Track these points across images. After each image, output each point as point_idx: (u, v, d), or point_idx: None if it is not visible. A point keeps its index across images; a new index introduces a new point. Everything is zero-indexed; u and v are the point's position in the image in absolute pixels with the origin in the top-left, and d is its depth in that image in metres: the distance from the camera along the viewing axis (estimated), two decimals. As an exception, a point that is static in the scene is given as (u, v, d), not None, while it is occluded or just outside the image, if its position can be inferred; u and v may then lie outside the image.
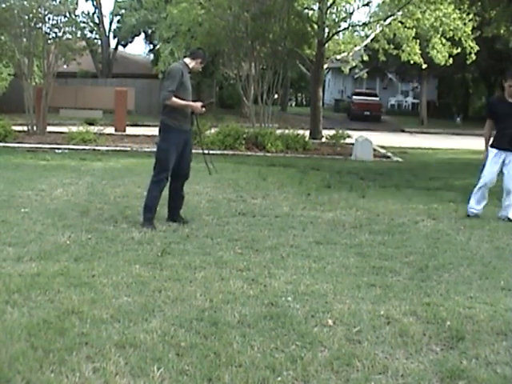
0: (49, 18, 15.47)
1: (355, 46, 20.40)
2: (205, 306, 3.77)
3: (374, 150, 14.41)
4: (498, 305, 3.98)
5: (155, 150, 6.28)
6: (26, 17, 14.88)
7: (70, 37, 15.89)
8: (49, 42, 15.47)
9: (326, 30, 18.20)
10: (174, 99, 5.80)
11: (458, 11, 17.63)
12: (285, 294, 4.06)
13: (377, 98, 31.49)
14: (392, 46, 20.53)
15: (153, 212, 5.93)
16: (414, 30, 18.77)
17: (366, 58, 23.05)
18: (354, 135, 15.24)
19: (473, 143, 19.69)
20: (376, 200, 7.89)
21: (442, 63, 19.33)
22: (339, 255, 5.10)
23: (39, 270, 4.37)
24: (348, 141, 15.98)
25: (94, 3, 29.26)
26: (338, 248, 5.35)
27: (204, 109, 6.00)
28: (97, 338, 3.24)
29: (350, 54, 20.83)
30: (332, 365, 3.05)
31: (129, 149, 13.43)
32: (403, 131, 26.00)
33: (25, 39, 15.20)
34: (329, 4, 17.66)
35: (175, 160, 5.94)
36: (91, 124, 17.07)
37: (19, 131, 14.95)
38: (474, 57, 18.86)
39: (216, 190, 8.22)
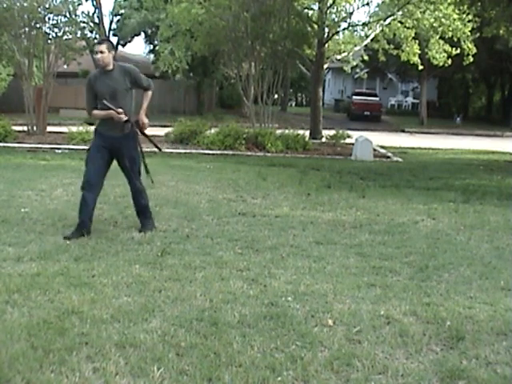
0: (49, 18, 15.47)
1: (355, 45, 20.42)
2: (205, 306, 3.77)
3: (374, 150, 14.41)
4: (498, 305, 3.98)
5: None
6: (26, 17, 14.87)
7: (70, 37, 15.88)
8: (49, 41, 15.47)
9: (326, 29, 18.21)
10: (95, 112, 5.48)
11: (457, 11, 17.64)
12: (285, 294, 4.06)
13: (377, 98, 31.49)
14: (392, 46, 20.57)
15: (81, 221, 5.45)
16: (414, 30, 18.80)
17: (366, 57, 23.08)
18: (354, 135, 15.24)
19: (473, 143, 19.76)
20: (376, 200, 7.89)
21: (441, 64, 19.37)
22: (339, 255, 5.10)
23: (39, 270, 4.37)
24: (348, 141, 15.98)
25: (94, 3, 29.24)
26: (338, 248, 5.35)
27: (122, 116, 5.35)
28: (97, 338, 3.24)
29: (350, 53, 20.85)
30: (332, 365, 3.05)
31: (129, 149, 13.41)
32: (403, 131, 26.00)
33: (25, 39, 15.20)
34: (329, 4, 17.67)
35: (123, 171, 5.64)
36: (91, 124, 17.02)
37: (19, 131, 14.95)
38: (471, 59, 18.91)
39: (216, 189, 8.22)
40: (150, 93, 5.66)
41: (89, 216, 5.49)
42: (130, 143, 5.52)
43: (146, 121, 5.54)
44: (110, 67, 5.39)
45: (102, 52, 5.31)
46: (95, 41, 25.11)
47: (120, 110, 5.32)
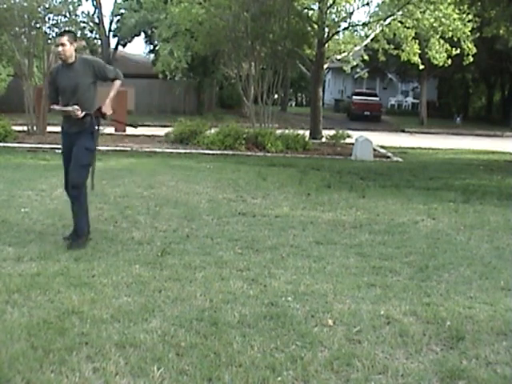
0: (49, 18, 15.47)
1: (355, 45, 20.41)
2: (205, 306, 3.77)
3: (374, 149, 14.41)
4: (498, 305, 3.98)
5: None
6: (26, 17, 14.87)
7: (70, 37, 15.86)
8: (49, 41, 15.46)
9: (326, 29, 18.20)
10: (53, 107, 5.21)
11: (457, 11, 17.65)
12: (285, 294, 4.06)
13: (377, 98, 31.48)
14: (392, 46, 20.56)
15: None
16: (414, 30, 18.80)
17: (366, 57, 23.08)
18: (354, 135, 15.24)
19: (473, 143, 19.75)
20: (376, 200, 7.89)
21: (441, 64, 19.37)
22: (339, 255, 5.11)
23: (39, 270, 4.37)
24: (348, 141, 15.98)
25: (94, 3, 29.23)
26: (338, 248, 5.35)
27: (78, 112, 5.00)
28: (97, 338, 3.24)
29: (350, 53, 20.85)
30: (332, 365, 3.05)
31: (129, 149, 13.43)
32: (403, 131, 25.99)
33: (25, 39, 15.20)
34: (329, 4, 17.67)
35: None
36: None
37: (19, 131, 14.95)
38: (471, 58, 18.91)
39: (216, 189, 8.22)
40: (118, 82, 5.28)
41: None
42: (86, 136, 5.15)
43: (109, 112, 5.20)
44: (72, 60, 5.09)
45: (63, 44, 5.01)
46: (95, 41, 25.19)
47: (76, 107, 4.99)
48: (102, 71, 5.20)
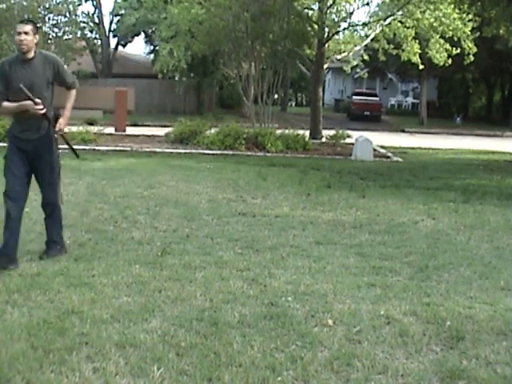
0: (49, 18, 15.51)
1: (355, 45, 20.41)
2: (205, 306, 3.77)
3: (374, 149, 14.41)
4: (498, 305, 3.98)
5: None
6: (26, 17, 14.89)
7: (70, 37, 15.91)
8: (49, 41, 15.49)
9: (326, 29, 18.19)
10: (5, 105, 4.48)
11: (457, 11, 17.64)
12: (285, 294, 4.06)
13: (377, 98, 31.48)
14: (392, 46, 20.56)
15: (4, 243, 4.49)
16: (414, 29, 18.79)
17: (366, 57, 23.08)
18: (354, 135, 15.24)
19: (473, 143, 19.75)
20: (376, 200, 7.89)
21: (441, 64, 19.37)
22: (339, 255, 5.10)
23: (39, 270, 4.37)
24: (348, 141, 15.98)
25: (94, 3, 29.22)
26: (338, 248, 5.35)
27: (40, 107, 4.41)
28: (97, 338, 3.24)
29: (350, 53, 20.85)
30: (332, 365, 3.05)
31: (129, 149, 13.43)
32: (403, 131, 25.99)
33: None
34: (329, 4, 17.66)
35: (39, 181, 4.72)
36: (91, 124, 17.07)
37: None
38: (472, 58, 18.91)
39: (216, 189, 8.22)
40: (74, 92, 4.79)
41: (15, 240, 4.52)
42: (47, 147, 4.60)
43: (64, 128, 4.67)
44: (31, 55, 4.52)
45: (26, 33, 4.43)
46: (95, 41, 25.20)
47: (38, 101, 4.38)
48: (62, 73, 4.68)
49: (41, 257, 4.68)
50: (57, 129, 4.59)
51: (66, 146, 5.01)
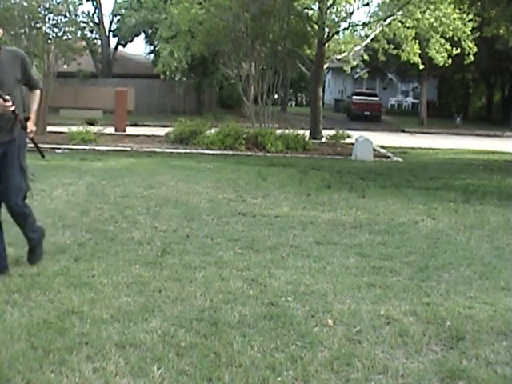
0: (49, 18, 15.50)
1: (355, 45, 20.42)
2: (205, 306, 3.77)
3: (374, 150, 14.41)
4: (498, 305, 3.98)
5: None
6: (26, 17, 14.88)
7: (70, 37, 15.90)
8: (49, 41, 15.48)
9: (326, 29, 18.21)
10: None
11: (457, 11, 17.65)
12: (285, 294, 4.06)
13: (377, 98, 31.50)
14: (392, 46, 20.57)
15: None
16: (414, 29, 18.81)
17: (366, 57, 23.09)
18: (354, 135, 15.24)
19: (473, 143, 19.75)
20: (376, 200, 7.89)
21: (441, 64, 19.38)
22: (339, 255, 5.10)
23: (39, 270, 4.37)
24: (348, 141, 15.99)
25: (94, 3, 29.25)
26: (338, 248, 5.35)
27: (9, 103, 4.04)
28: (97, 338, 3.24)
29: (350, 53, 20.86)
30: (332, 365, 3.05)
31: (129, 149, 13.44)
32: (403, 131, 26.00)
33: (25, 39, 15.21)
34: (329, 4, 17.67)
35: None
36: (91, 124, 17.08)
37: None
38: (472, 58, 18.92)
39: (216, 189, 8.22)
40: (38, 92, 4.47)
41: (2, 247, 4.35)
42: (17, 151, 4.28)
43: (33, 128, 4.35)
44: None
45: None
46: (95, 41, 25.18)
47: (7, 97, 4.03)
48: (29, 70, 4.39)
49: (32, 261, 4.53)
50: (28, 130, 4.30)
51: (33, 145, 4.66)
